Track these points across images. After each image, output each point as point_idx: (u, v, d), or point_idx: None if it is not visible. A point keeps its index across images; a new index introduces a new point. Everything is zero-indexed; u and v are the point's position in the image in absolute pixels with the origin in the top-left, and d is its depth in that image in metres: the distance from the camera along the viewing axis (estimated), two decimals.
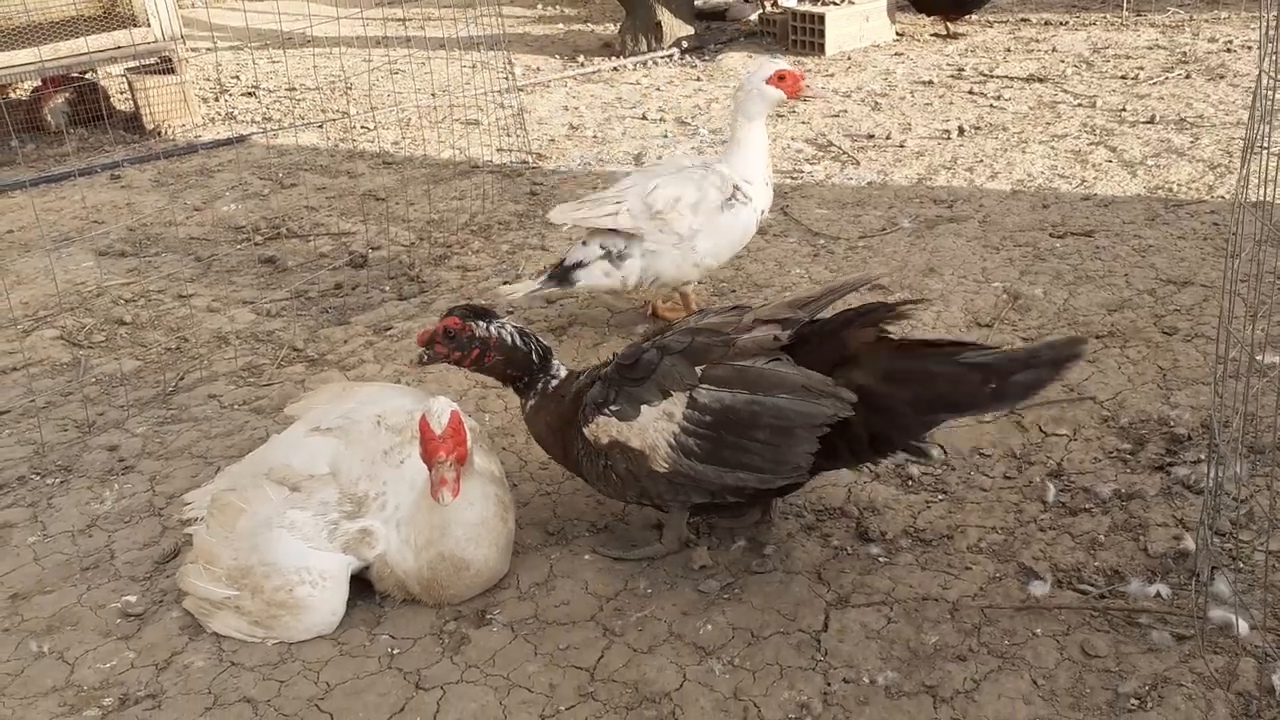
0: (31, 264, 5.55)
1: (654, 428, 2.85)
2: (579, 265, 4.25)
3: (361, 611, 2.96)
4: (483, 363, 3.15)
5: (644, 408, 2.87)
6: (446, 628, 2.90)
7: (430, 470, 2.77)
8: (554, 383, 3.16)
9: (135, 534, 3.39)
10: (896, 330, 2.85)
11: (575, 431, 3.04)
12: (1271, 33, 2.45)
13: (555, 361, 3.20)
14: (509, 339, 3.14)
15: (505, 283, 4.75)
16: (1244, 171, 2.60)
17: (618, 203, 4.18)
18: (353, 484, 2.99)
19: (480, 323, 3.14)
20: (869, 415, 2.72)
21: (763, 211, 4.31)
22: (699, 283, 4.45)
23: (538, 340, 3.18)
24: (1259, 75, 2.51)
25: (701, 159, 4.41)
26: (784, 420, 2.72)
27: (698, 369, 2.83)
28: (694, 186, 4.18)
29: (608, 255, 4.21)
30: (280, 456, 3.12)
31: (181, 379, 4.34)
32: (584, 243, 4.28)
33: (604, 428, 2.93)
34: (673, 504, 3.03)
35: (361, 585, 2.98)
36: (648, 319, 4.56)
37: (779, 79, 4.19)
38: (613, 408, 2.91)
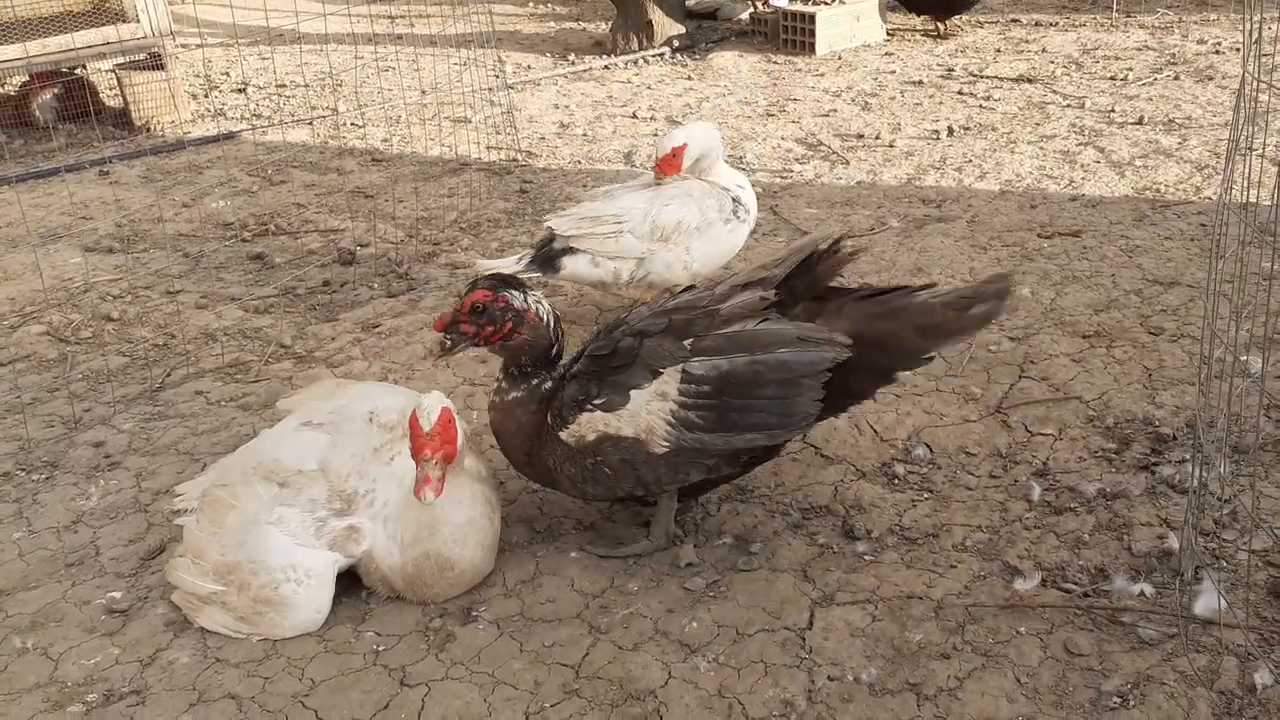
0: (18, 259, 5.53)
1: (647, 409, 2.84)
2: (567, 251, 4.22)
3: (347, 608, 2.96)
4: (510, 339, 2.93)
5: (633, 393, 2.85)
6: (432, 625, 2.91)
7: (417, 467, 2.77)
8: (546, 385, 3.02)
9: (121, 530, 3.38)
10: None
11: (546, 439, 2.96)
12: (1255, 35, 2.47)
13: (560, 365, 3.07)
14: (545, 318, 2.94)
15: (486, 257, 4.71)
16: (1228, 173, 2.61)
17: (619, 223, 4.17)
18: (342, 480, 2.99)
19: (515, 293, 2.93)
20: (864, 352, 2.88)
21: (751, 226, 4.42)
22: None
23: (562, 335, 3.02)
24: (1242, 77, 2.52)
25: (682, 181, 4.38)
26: (788, 373, 2.79)
27: (685, 343, 2.84)
28: (696, 209, 4.20)
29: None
30: (270, 451, 3.12)
31: (168, 375, 4.33)
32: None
33: (589, 424, 2.90)
34: (668, 488, 3.01)
35: (347, 582, 2.98)
36: None
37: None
38: (597, 401, 2.87)
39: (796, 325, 2.86)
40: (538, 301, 2.96)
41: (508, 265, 4.24)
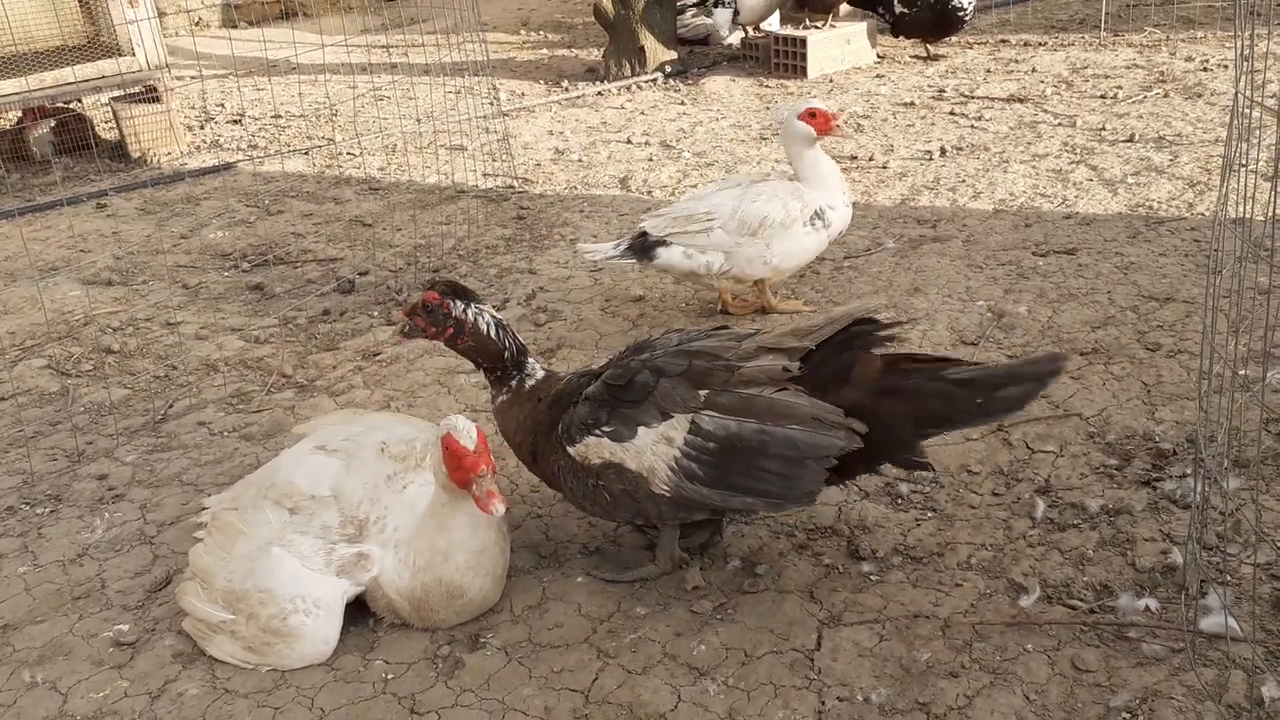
0: (18, 293, 5.54)
1: (652, 450, 2.84)
2: (662, 243, 4.46)
3: (355, 637, 2.96)
4: (455, 344, 3.10)
5: (641, 429, 2.85)
6: (440, 652, 2.91)
7: (471, 485, 2.74)
8: (530, 382, 3.11)
9: (126, 562, 3.38)
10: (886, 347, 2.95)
11: (555, 446, 3.01)
12: (1247, 52, 2.50)
13: (531, 361, 3.13)
14: (484, 328, 3.06)
15: (585, 241, 4.94)
16: (1224, 189, 2.64)
17: (710, 220, 4.44)
18: (354, 507, 3.00)
19: (457, 303, 3.07)
20: (868, 431, 2.78)
21: (840, 233, 4.65)
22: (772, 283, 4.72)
23: (514, 337, 3.11)
24: (1235, 94, 2.55)
25: (778, 178, 4.67)
26: (795, 451, 2.75)
27: (700, 393, 2.83)
28: (780, 207, 4.43)
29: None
30: (284, 474, 3.14)
31: (170, 407, 4.34)
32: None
33: (595, 449, 2.91)
34: (670, 521, 3.02)
35: (355, 610, 2.98)
36: (719, 313, 4.81)
37: (809, 116, 4.49)
38: (606, 428, 2.88)
39: (814, 404, 2.77)
40: (478, 313, 3.07)
41: (604, 250, 4.51)
